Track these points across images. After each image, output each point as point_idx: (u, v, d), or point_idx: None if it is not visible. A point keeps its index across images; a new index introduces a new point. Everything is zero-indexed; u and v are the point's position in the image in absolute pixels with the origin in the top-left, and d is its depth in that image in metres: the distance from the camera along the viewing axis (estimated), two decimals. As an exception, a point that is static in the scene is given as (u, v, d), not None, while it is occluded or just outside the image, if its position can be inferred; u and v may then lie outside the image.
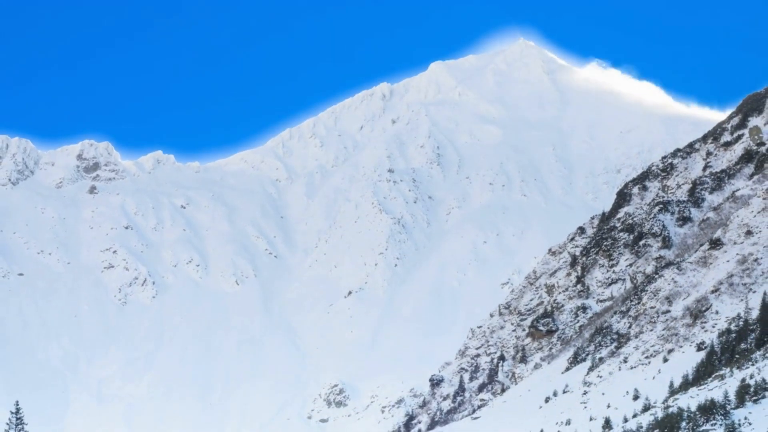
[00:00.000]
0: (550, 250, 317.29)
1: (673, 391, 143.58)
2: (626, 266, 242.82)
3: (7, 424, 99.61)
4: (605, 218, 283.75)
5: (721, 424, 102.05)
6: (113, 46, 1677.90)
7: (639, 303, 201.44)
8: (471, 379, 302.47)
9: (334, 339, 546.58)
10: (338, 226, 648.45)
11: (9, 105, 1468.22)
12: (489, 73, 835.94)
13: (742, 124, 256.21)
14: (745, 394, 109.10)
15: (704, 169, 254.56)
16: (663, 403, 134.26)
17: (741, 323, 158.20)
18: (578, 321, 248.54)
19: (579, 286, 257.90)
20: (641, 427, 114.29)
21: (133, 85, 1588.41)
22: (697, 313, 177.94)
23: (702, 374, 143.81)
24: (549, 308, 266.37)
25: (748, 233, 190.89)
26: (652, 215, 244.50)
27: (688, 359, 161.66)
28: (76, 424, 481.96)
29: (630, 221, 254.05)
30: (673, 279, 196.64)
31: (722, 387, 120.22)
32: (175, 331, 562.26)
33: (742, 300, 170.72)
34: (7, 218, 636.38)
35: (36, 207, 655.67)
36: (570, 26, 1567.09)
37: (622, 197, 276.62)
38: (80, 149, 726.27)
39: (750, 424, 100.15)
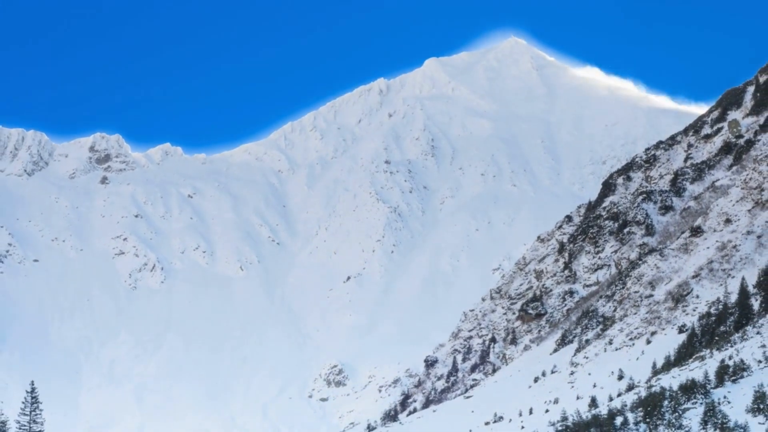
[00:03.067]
0: (538, 237, 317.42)
1: (655, 372, 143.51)
2: (611, 253, 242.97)
3: (23, 403, 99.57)
4: (591, 207, 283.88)
5: (701, 403, 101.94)
6: (123, 45, 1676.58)
7: (623, 288, 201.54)
8: (464, 360, 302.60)
9: (334, 322, 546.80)
10: (337, 214, 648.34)
11: (25, 100, 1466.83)
12: (481, 70, 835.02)
13: (721, 118, 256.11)
14: (724, 374, 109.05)
15: (685, 160, 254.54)
16: (646, 382, 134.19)
17: (720, 307, 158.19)
18: (566, 305, 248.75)
19: (566, 272, 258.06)
20: (626, 405, 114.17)
21: (143, 81, 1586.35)
22: (679, 297, 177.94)
23: (683, 355, 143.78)
24: (538, 293, 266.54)
25: (728, 221, 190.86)
26: (635, 204, 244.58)
27: (670, 341, 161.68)
28: (89, 403, 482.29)
29: (615, 210, 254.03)
30: (655, 265, 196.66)
31: (702, 367, 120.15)
32: (183, 315, 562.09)
33: (721, 285, 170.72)
34: (23, 207, 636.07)
35: (50, 196, 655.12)
36: (557, 26, 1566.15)
37: (608, 187, 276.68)
38: (92, 142, 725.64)
39: (729, 402, 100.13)
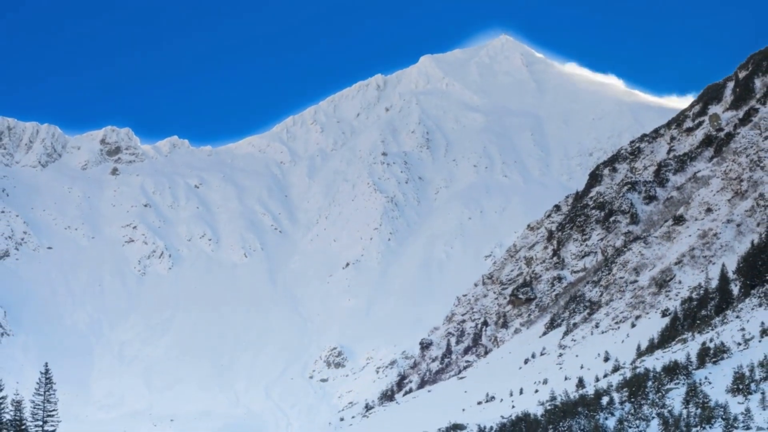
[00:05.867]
0: (528, 225, 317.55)
1: (640, 354, 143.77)
2: (598, 240, 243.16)
3: (38, 383, 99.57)
4: (579, 197, 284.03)
5: (683, 383, 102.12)
6: (133, 44, 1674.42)
7: (609, 273, 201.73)
8: (457, 342, 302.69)
9: (333, 306, 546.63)
10: (337, 204, 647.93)
11: (39, 95, 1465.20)
12: (473, 66, 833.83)
13: (702, 112, 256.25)
14: (705, 356, 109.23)
15: (668, 152, 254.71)
16: (631, 364, 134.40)
17: (702, 292, 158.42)
18: (554, 290, 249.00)
19: (555, 259, 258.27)
20: (611, 385, 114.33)
21: (151, 78, 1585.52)
22: (662, 283, 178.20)
23: (666, 338, 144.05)
24: (528, 278, 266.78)
25: (708, 210, 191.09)
26: (621, 194, 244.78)
27: (653, 324, 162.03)
28: (100, 383, 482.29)
29: (601, 200, 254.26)
30: (640, 252, 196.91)
31: (685, 350, 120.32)
32: (190, 299, 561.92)
33: (702, 271, 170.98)
34: (38, 197, 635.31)
35: (63, 187, 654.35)
36: (546, 24, 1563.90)
37: (594, 178, 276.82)
38: (103, 135, 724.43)
39: (710, 383, 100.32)
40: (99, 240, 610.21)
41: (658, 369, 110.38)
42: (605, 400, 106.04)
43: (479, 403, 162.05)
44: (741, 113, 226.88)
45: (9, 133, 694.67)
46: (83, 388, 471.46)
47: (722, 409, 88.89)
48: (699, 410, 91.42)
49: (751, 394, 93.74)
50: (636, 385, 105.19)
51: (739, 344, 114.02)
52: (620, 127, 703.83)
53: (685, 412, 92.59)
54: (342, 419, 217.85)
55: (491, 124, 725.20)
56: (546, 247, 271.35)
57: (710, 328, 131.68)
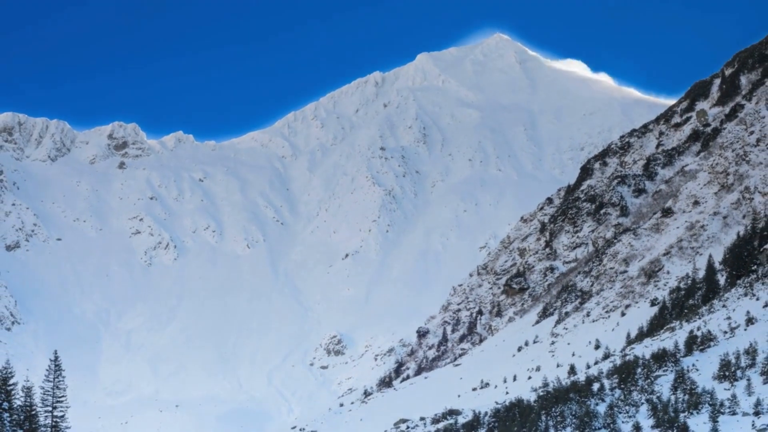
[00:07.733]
0: (522, 217, 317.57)
1: (629, 341, 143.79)
2: (589, 232, 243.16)
3: (47, 370, 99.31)
4: (570, 190, 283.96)
5: (672, 370, 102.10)
6: (139, 42, 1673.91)
7: (600, 264, 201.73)
8: (453, 330, 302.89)
9: (333, 296, 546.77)
10: (336, 197, 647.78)
11: (49, 92, 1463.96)
12: (468, 63, 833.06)
13: (690, 108, 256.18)
14: (692, 344, 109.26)
15: (657, 147, 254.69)
16: (621, 351, 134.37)
17: (689, 282, 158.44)
18: (547, 280, 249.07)
19: (547, 250, 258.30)
20: (602, 372, 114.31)
21: (157, 75, 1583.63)
22: (651, 273, 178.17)
23: (655, 327, 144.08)
24: (521, 269, 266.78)
25: (696, 203, 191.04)
26: (611, 187, 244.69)
27: (643, 313, 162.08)
28: (108, 370, 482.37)
29: (592, 192, 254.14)
30: (629, 243, 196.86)
31: (673, 338, 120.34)
32: (194, 289, 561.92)
33: (690, 261, 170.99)
34: (47, 190, 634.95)
35: (72, 180, 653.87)
36: (539, 23, 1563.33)
37: (585, 172, 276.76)
38: (111, 130, 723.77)
39: (697, 370, 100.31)
40: (106, 232, 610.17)
41: (647, 356, 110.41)
42: (596, 386, 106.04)
43: (474, 389, 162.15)
44: (727, 109, 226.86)
45: (20, 129, 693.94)
46: (91, 375, 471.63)
47: (709, 395, 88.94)
48: (687, 396, 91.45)
49: (737, 380, 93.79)
50: (626, 372, 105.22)
51: (726, 332, 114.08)
52: (610, 122, 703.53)
53: (673, 398, 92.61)
54: (342, 405, 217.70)
55: (486, 119, 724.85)
56: (539, 239, 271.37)
57: (697, 317, 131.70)
